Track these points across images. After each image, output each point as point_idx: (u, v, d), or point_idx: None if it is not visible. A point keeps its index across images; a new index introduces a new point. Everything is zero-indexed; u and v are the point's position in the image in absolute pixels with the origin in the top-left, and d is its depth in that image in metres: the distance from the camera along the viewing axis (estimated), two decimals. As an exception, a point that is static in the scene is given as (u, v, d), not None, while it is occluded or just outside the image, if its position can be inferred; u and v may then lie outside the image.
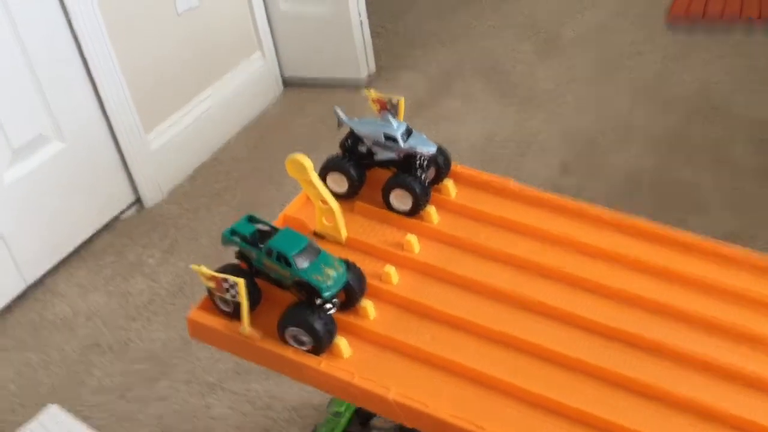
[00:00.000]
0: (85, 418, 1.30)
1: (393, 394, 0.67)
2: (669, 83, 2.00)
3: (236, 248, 0.73)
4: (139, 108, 1.76)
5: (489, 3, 2.57)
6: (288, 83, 2.24)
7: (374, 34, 2.20)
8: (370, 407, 0.70)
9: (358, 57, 2.14)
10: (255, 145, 1.99)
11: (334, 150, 0.85)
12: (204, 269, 0.70)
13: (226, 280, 0.68)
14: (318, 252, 0.70)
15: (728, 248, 0.81)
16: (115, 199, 1.76)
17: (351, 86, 2.16)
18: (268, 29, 2.13)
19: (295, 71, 2.22)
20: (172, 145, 1.85)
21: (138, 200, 1.81)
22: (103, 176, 1.72)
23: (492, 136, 1.90)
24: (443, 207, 0.84)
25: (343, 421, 1.13)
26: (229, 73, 2.03)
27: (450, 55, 2.28)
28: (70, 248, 1.67)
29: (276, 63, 2.18)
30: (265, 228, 0.73)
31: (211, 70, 1.98)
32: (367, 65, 2.18)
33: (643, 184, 1.67)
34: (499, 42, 2.32)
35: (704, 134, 1.78)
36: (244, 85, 2.06)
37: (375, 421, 1.10)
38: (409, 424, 0.67)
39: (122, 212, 1.79)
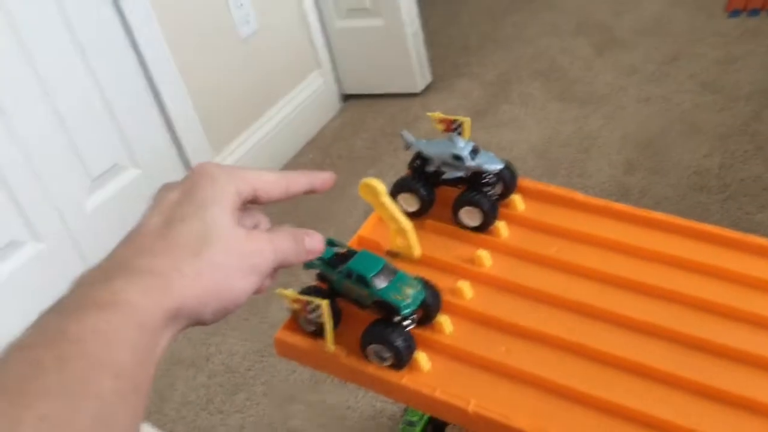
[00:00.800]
0: (170, 432, 1.37)
1: (473, 406, 0.69)
2: (733, 73, 1.96)
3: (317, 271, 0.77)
4: (207, 131, 1.84)
5: (541, 1, 2.56)
6: (347, 98, 2.28)
7: (428, 43, 2.23)
8: (450, 419, 0.73)
9: (413, 68, 2.17)
10: (318, 162, 2.04)
11: (396, 162, 0.88)
12: (290, 292, 0.74)
13: (310, 302, 0.72)
14: (395, 272, 0.73)
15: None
16: (188, 221, 1.83)
17: (409, 97, 2.19)
18: (325, 48, 2.19)
19: (353, 87, 2.27)
20: (239, 165, 1.92)
21: (210, 221, 1.88)
22: (176, 199, 1.79)
23: (553, 137, 1.91)
24: (512, 221, 0.86)
25: (417, 429, 1.16)
26: (291, 93, 2.10)
27: (505, 58, 2.29)
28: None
29: (334, 80, 2.24)
30: (342, 250, 0.76)
31: (273, 91, 2.04)
32: (423, 75, 2.21)
33: (710, 179, 1.64)
34: (554, 40, 2.31)
35: (773, 127, 1.75)
36: (305, 103, 2.12)
37: (449, 430, 1.13)
38: (490, 436, 0.70)
39: (196, 234, 1.86)
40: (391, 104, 2.21)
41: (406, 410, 1.20)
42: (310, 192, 0.57)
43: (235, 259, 0.48)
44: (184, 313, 0.44)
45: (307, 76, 2.15)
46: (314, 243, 0.55)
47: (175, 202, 0.49)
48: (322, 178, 0.57)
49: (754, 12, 2.15)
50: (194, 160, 1.81)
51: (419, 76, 2.19)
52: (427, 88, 2.22)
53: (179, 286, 0.44)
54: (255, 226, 0.54)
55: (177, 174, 1.80)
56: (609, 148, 1.81)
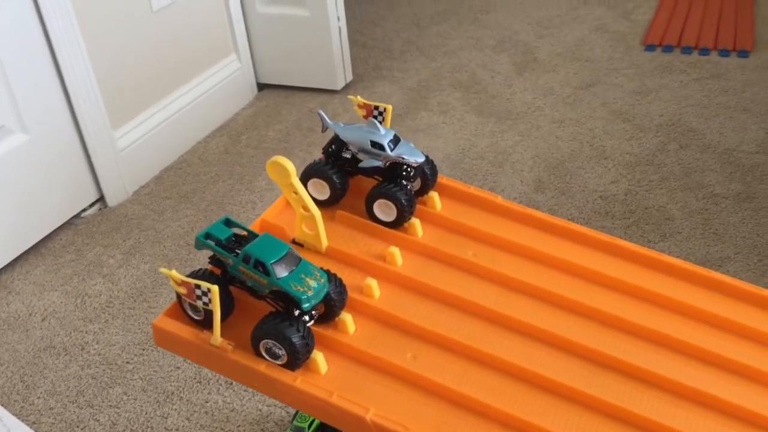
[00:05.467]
0: (32, 423, 1.24)
1: (372, 415, 0.63)
2: (645, 105, 2.01)
3: (209, 253, 0.69)
4: (108, 104, 1.71)
5: (467, 14, 2.57)
6: (263, 87, 2.19)
7: (352, 42, 2.17)
8: (346, 428, 0.66)
9: (335, 64, 2.10)
10: (226, 149, 1.94)
11: (309, 157, 0.82)
12: (175, 273, 0.65)
13: (198, 286, 0.64)
14: (298, 260, 0.66)
15: (715, 274, 0.79)
16: (77, 197, 1.70)
17: (327, 94, 2.13)
18: (244, 31, 2.09)
19: (270, 77, 2.18)
20: (139, 144, 1.80)
21: (101, 198, 1.74)
22: (66, 172, 1.66)
23: (468, 148, 1.89)
24: (428, 220, 0.81)
25: (306, 437, 1.09)
26: (202, 75, 1.99)
27: (427, 65, 2.27)
28: (28, 244, 1.60)
29: (251, 67, 2.14)
30: (243, 233, 0.69)
31: (183, 70, 1.93)
32: (344, 73, 2.15)
33: (616, 204, 1.66)
34: (477, 54, 2.31)
35: (678, 158, 1.79)
36: (217, 88, 2.01)
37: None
38: (387, 447, 0.64)
39: (84, 210, 1.72)
40: (308, 99, 2.13)
41: (295, 416, 1.12)
42: None
43: None
44: None
45: (222, 59, 2.05)
46: None
47: None
48: None
49: (668, 48, 2.22)
50: (90, 133, 1.67)
51: (340, 74, 2.13)
52: (347, 87, 2.17)
53: None
54: None
55: (69, 145, 1.66)
56: (522, 165, 1.81)
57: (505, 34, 2.42)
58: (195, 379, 1.30)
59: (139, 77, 1.79)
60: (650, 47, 2.25)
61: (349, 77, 2.18)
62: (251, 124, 2.05)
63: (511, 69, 2.23)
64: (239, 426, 1.22)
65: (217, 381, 1.29)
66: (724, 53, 2.18)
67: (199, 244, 0.68)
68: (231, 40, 2.06)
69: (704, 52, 2.19)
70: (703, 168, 1.74)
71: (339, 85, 2.14)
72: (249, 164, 1.86)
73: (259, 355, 0.67)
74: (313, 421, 1.11)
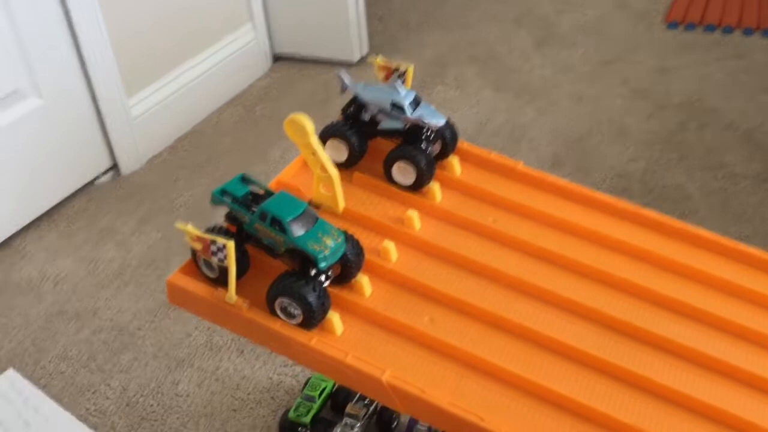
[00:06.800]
0: (43, 386, 1.24)
1: (388, 376, 0.62)
2: (665, 83, 1.98)
3: (225, 210, 0.68)
4: (123, 71, 1.69)
5: (487, -13, 2.53)
6: (278, 58, 2.17)
7: (368, 15, 2.14)
8: (361, 390, 0.65)
9: (351, 36, 2.08)
10: (240, 119, 1.93)
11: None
12: (191, 228, 0.64)
13: (214, 242, 0.62)
14: (315, 219, 0.65)
15: (738, 245, 0.77)
16: (91, 163, 1.69)
17: (343, 66, 2.10)
18: (260, 1, 2.07)
19: (285, 47, 2.16)
20: (154, 112, 1.78)
21: (115, 166, 1.74)
22: (80, 138, 1.65)
23: (485, 124, 1.86)
24: (447, 185, 0.79)
25: (316, 405, 1.08)
26: (218, 44, 1.97)
27: (444, 39, 2.24)
28: (41, 210, 1.59)
29: (266, 37, 2.12)
30: (259, 191, 0.67)
31: (199, 38, 1.91)
32: (360, 46, 2.13)
33: (633, 182, 1.64)
34: (495, 28, 2.28)
35: (698, 138, 1.76)
36: (232, 57, 1.99)
37: (349, 408, 1.06)
38: (403, 411, 0.63)
39: (98, 177, 1.71)
40: (324, 71, 2.11)
41: (306, 384, 1.12)
42: None
43: None
44: None
45: (238, 29, 2.03)
46: None
47: None
48: None
49: (691, 26, 2.18)
50: (104, 100, 1.66)
51: (356, 46, 2.10)
52: (362, 60, 2.14)
53: None
54: None
55: (84, 112, 1.65)
56: (538, 141, 1.78)
57: (525, 9, 2.38)
58: (206, 346, 1.30)
59: (154, 45, 1.77)
60: (672, 25, 2.21)
61: (365, 50, 2.15)
62: (266, 95, 2.03)
63: (529, 44, 2.20)
64: (249, 393, 1.21)
65: (228, 348, 1.29)
66: (748, 32, 2.14)
67: (216, 200, 0.66)
68: (247, 9, 2.04)
69: (727, 30, 2.15)
70: (723, 148, 1.71)
71: (355, 58, 2.11)
72: (263, 135, 1.85)
73: (274, 314, 0.65)
74: (323, 389, 1.10)
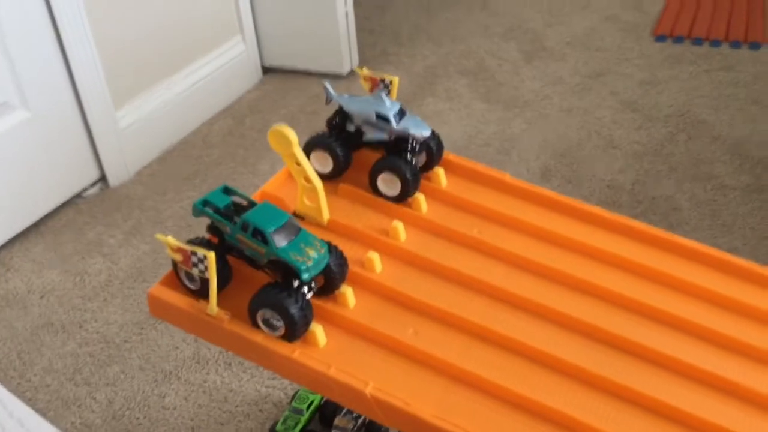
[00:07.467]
0: (28, 399, 1.22)
1: (371, 389, 0.61)
2: (654, 95, 1.98)
3: (207, 220, 0.67)
4: (110, 82, 1.69)
5: (476, 0, 2.54)
6: (268, 70, 2.17)
7: (359, 28, 2.15)
8: (345, 402, 0.65)
9: (341, 49, 2.08)
10: (230, 132, 1.92)
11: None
12: (171, 239, 0.63)
13: (194, 253, 0.62)
14: (298, 230, 0.64)
15: (726, 255, 0.77)
16: (78, 175, 1.68)
17: (333, 78, 2.11)
18: (250, 13, 2.07)
19: (275, 59, 2.16)
20: (142, 123, 1.78)
21: (103, 178, 1.73)
22: (67, 150, 1.64)
23: (474, 136, 1.87)
24: (432, 196, 0.79)
25: (303, 419, 1.08)
26: (208, 56, 1.97)
27: (434, 52, 2.25)
28: (27, 222, 1.58)
29: (256, 49, 2.12)
30: (242, 201, 0.67)
31: (189, 50, 1.91)
32: (350, 58, 2.13)
33: (623, 194, 1.64)
34: (485, 41, 2.29)
35: (687, 149, 1.77)
36: (221, 69, 1.99)
37: (338, 421, 1.05)
38: (387, 423, 0.62)
39: (85, 189, 1.70)
40: (313, 83, 2.11)
41: (294, 397, 1.11)
42: None
43: None
44: None
45: (227, 41, 2.03)
46: None
47: None
48: None
49: (679, 39, 2.19)
50: (92, 112, 1.65)
51: (346, 58, 2.11)
52: (353, 72, 2.15)
53: None
54: None
55: (71, 123, 1.64)
56: (528, 153, 1.79)
57: (515, 22, 2.39)
58: (193, 359, 1.29)
59: (142, 56, 1.77)
60: (661, 38, 2.23)
61: (356, 62, 2.16)
62: (256, 107, 2.03)
63: (519, 57, 2.21)
64: (237, 406, 1.20)
65: (216, 361, 1.28)
66: (735, 45, 2.15)
67: (197, 211, 0.66)
68: (236, 21, 2.04)
69: (715, 43, 2.17)
70: (712, 159, 1.72)
71: (345, 70, 2.12)
72: (252, 147, 1.84)
73: (256, 326, 0.65)
74: (311, 402, 1.09)
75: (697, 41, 2.19)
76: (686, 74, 2.06)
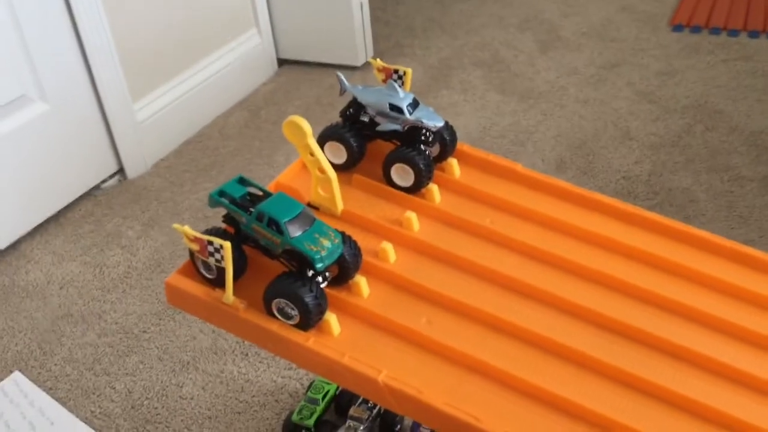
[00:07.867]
0: (49, 389, 1.24)
1: (384, 377, 0.62)
2: (671, 86, 1.97)
3: (223, 211, 0.68)
4: (128, 75, 1.70)
5: (492, -8, 2.54)
6: (283, 62, 2.18)
7: (374, 20, 2.15)
8: (358, 390, 0.66)
9: (356, 41, 2.09)
10: (245, 124, 1.94)
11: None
12: (188, 229, 0.64)
13: (211, 242, 0.63)
14: (312, 220, 0.65)
15: (744, 248, 0.77)
16: (97, 168, 1.70)
17: (348, 70, 2.11)
18: (265, 6, 2.08)
19: (290, 52, 2.17)
20: (159, 116, 1.79)
21: (121, 170, 1.75)
22: (86, 142, 1.66)
23: (489, 127, 1.86)
24: (446, 186, 0.80)
25: (319, 408, 1.09)
26: (223, 48, 1.98)
27: (449, 44, 2.24)
28: (47, 214, 1.60)
29: (272, 42, 2.13)
30: (257, 192, 0.68)
31: (205, 43, 1.92)
32: (365, 50, 2.13)
33: (639, 185, 1.63)
34: (500, 32, 2.28)
35: (704, 140, 1.75)
36: (237, 62, 2.00)
37: (353, 411, 1.05)
38: (399, 411, 0.63)
39: (104, 181, 1.72)
40: (328, 75, 2.12)
41: (309, 387, 1.12)
42: None
43: None
44: None
45: (243, 33, 2.04)
46: None
47: None
48: None
49: (696, 29, 2.17)
50: (110, 104, 1.67)
51: (361, 50, 2.11)
52: (367, 64, 2.15)
53: None
54: None
55: (90, 116, 1.66)
56: (543, 144, 1.78)
57: (530, 13, 2.38)
58: (211, 349, 1.30)
59: (159, 49, 1.79)
60: (678, 27, 2.21)
61: (370, 54, 2.16)
62: (271, 99, 2.04)
63: (534, 48, 2.20)
64: (254, 396, 1.21)
65: (233, 352, 1.29)
66: (754, 34, 2.13)
67: (213, 202, 0.67)
68: (252, 14, 2.05)
69: (733, 33, 2.15)
70: (730, 150, 1.70)
71: (360, 62, 2.12)
72: (268, 139, 1.86)
73: (271, 314, 0.66)
74: (327, 392, 1.10)
75: (715, 30, 2.17)
76: (704, 64, 2.04)
